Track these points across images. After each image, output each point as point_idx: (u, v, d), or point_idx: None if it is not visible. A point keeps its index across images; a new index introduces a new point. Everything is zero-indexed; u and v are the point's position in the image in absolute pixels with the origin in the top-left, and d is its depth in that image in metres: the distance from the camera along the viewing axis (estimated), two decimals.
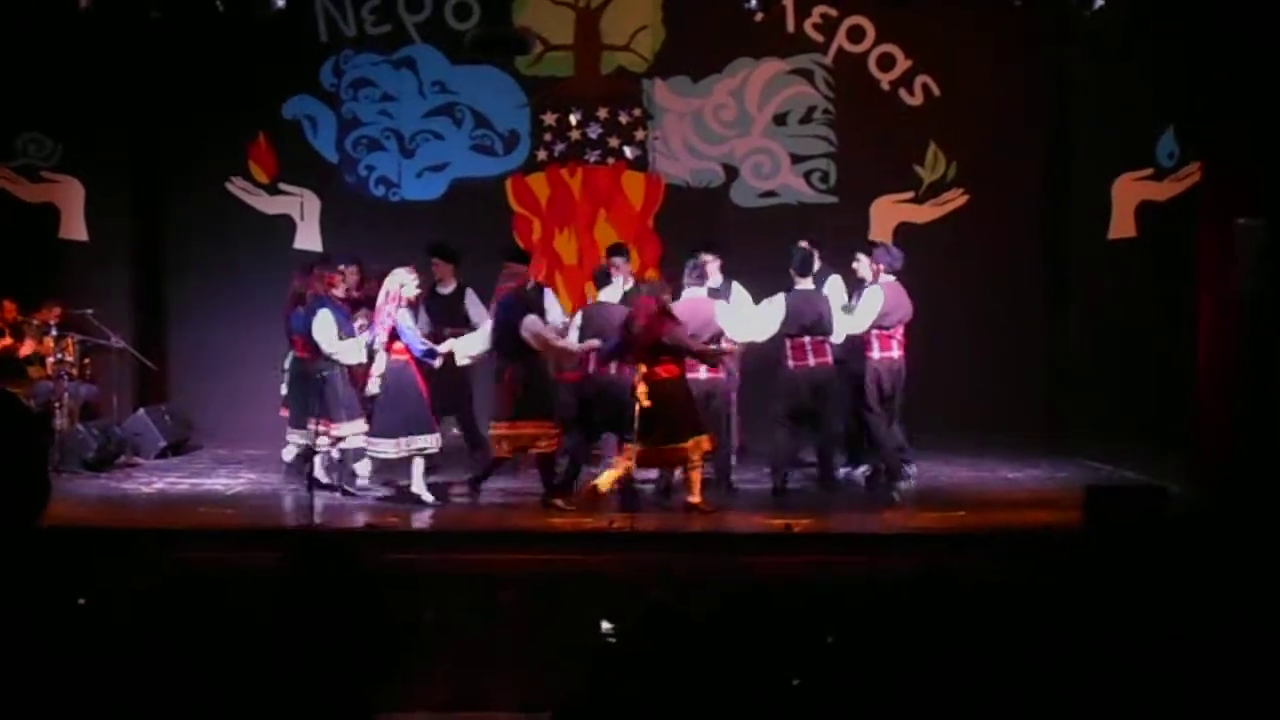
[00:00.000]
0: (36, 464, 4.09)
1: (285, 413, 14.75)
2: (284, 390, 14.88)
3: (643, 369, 13.18)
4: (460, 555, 11.99)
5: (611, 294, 14.26)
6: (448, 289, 15.18)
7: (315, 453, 13.95)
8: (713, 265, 14.67)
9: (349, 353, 13.84)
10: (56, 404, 15.80)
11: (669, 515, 13.37)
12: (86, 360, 16.88)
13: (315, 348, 13.91)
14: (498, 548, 12.38)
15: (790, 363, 14.05)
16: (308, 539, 9.66)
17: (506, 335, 13.59)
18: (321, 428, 13.68)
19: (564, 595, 10.76)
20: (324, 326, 13.80)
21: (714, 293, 14.49)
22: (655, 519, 13.09)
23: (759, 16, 16.88)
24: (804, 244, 14.44)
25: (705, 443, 13.35)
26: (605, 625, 5.83)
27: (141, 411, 17.03)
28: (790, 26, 17.99)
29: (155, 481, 15.26)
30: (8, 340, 16.23)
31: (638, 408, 13.11)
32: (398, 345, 13.57)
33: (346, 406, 14.01)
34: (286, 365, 14.76)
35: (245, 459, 16.31)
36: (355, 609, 5.08)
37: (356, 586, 5.16)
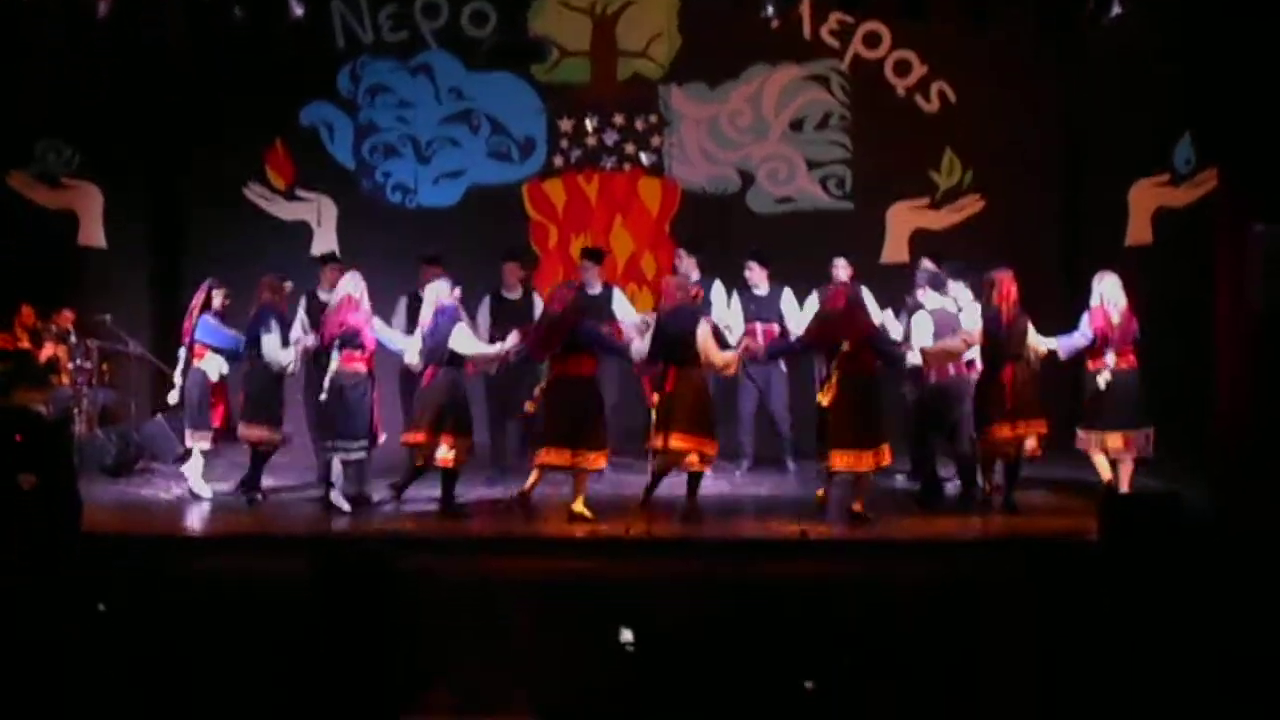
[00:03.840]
0: (65, 476, 4.14)
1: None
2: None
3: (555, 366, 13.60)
4: (476, 561, 12.01)
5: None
6: (514, 293, 15.65)
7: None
8: (759, 273, 15.07)
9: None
10: (75, 409, 15.86)
11: (685, 521, 13.39)
12: (105, 366, 16.92)
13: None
14: (516, 554, 12.40)
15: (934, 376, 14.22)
16: (331, 547, 9.69)
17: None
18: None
19: (578, 602, 10.78)
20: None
21: (762, 301, 14.89)
22: (673, 526, 13.11)
23: (775, 23, 16.90)
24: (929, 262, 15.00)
25: (600, 460, 13.57)
26: (625, 634, 5.85)
27: (159, 417, 17.04)
28: (806, 33, 17.99)
29: (174, 487, 15.27)
30: (24, 345, 16.27)
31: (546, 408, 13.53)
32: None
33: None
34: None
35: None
36: (376, 615, 5.11)
37: (384, 593, 5.19)
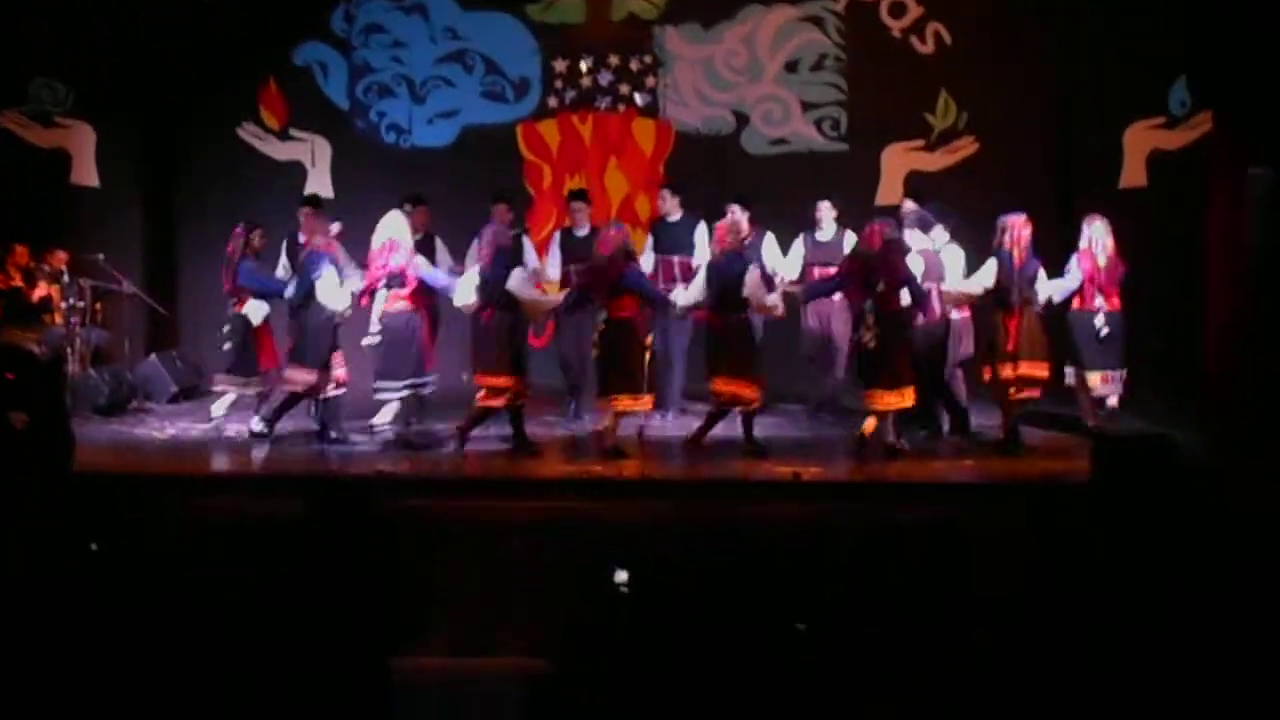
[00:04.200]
0: (57, 414, 4.14)
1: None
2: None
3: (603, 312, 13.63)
4: (471, 502, 12.02)
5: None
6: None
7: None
8: (743, 218, 14.94)
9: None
10: (68, 349, 15.85)
11: (679, 463, 13.42)
12: (98, 305, 16.91)
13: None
14: (508, 495, 12.42)
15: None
16: (326, 487, 9.68)
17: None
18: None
19: (571, 543, 10.80)
20: None
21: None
22: (665, 466, 13.14)
23: None
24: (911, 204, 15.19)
25: (650, 401, 13.70)
26: (620, 575, 5.87)
27: (153, 357, 17.08)
28: None
29: (167, 427, 15.29)
30: (18, 284, 16.26)
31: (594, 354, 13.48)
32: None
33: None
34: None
35: (256, 404, 16.02)
36: (371, 555, 5.13)
37: (373, 533, 5.21)
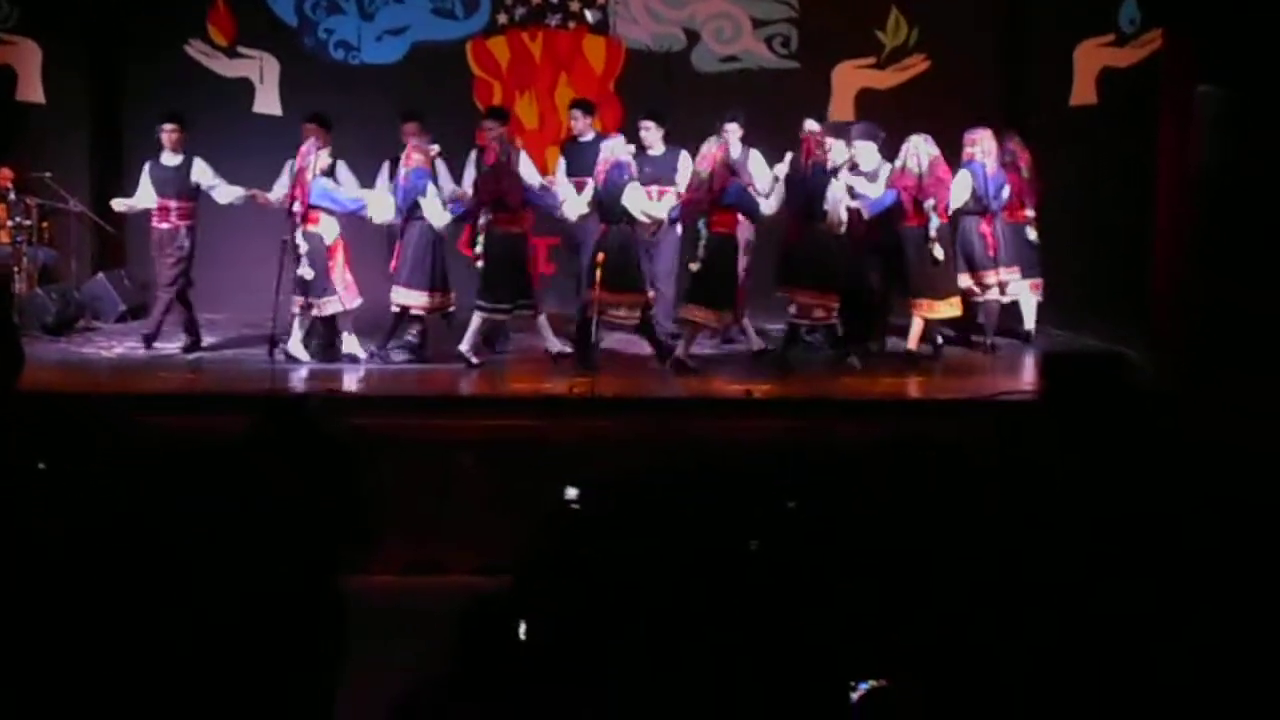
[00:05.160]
0: (5, 333, 4.10)
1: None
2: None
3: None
4: (419, 420, 12.03)
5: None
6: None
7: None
8: (654, 134, 14.88)
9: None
10: (15, 268, 15.75)
11: (629, 380, 13.44)
12: (45, 224, 16.78)
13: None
14: (456, 413, 12.43)
15: None
16: (272, 405, 9.65)
17: None
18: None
19: (522, 461, 10.82)
20: None
21: (657, 161, 14.66)
22: (616, 384, 13.14)
23: None
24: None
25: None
26: (570, 492, 5.87)
27: (100, 276, 16.98)
28: None
29: (115, 346, 15.24)
30: None
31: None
32: None
33: None
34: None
35: (204, 323, 15.58)
36: (320, 473, 5.11)
37: (321, 451, 5.19)
